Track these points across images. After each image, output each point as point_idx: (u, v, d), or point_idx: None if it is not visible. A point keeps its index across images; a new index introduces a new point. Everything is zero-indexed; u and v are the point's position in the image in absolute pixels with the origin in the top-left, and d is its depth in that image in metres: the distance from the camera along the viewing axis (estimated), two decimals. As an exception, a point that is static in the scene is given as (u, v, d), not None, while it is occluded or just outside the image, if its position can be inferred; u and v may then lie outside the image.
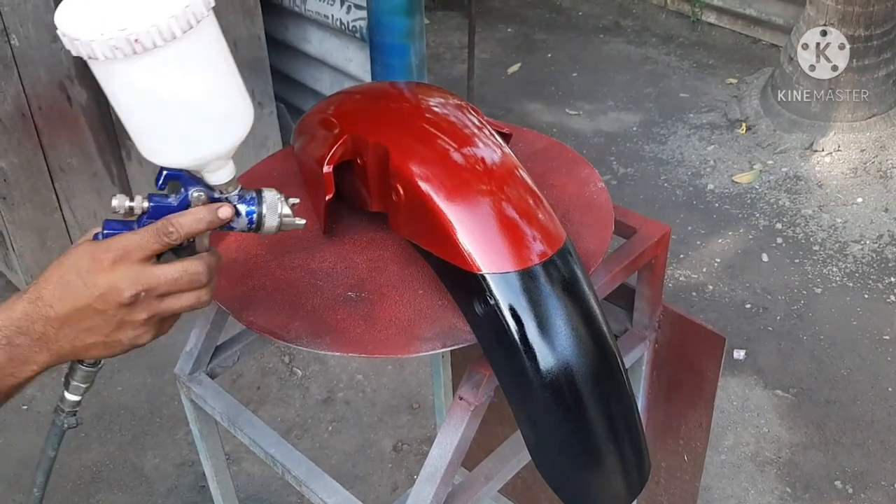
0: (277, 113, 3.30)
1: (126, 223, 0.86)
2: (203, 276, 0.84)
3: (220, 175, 0.87)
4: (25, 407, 2.64)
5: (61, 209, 2.84)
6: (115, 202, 0.84)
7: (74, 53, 0.76)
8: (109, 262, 0.80)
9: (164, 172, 0.86)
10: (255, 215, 0.89)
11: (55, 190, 2.79)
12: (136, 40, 0.74)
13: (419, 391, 2.72)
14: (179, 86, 0.80)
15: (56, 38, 2.64)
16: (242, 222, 0.89)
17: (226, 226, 0.88)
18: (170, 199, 0.86)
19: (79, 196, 2.86)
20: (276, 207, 0.90)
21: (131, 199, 0.84)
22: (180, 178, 0.86)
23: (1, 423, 2.61)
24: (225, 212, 0.86)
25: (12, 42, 2.53)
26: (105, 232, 0.84)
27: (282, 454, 1.22)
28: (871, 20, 3.55)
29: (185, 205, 0.86)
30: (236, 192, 0.89)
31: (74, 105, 2.73)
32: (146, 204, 0.85)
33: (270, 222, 0.89)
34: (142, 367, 2.76)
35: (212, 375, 1.34)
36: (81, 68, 2.70)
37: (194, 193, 0.86)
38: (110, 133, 2.84)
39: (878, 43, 3.62)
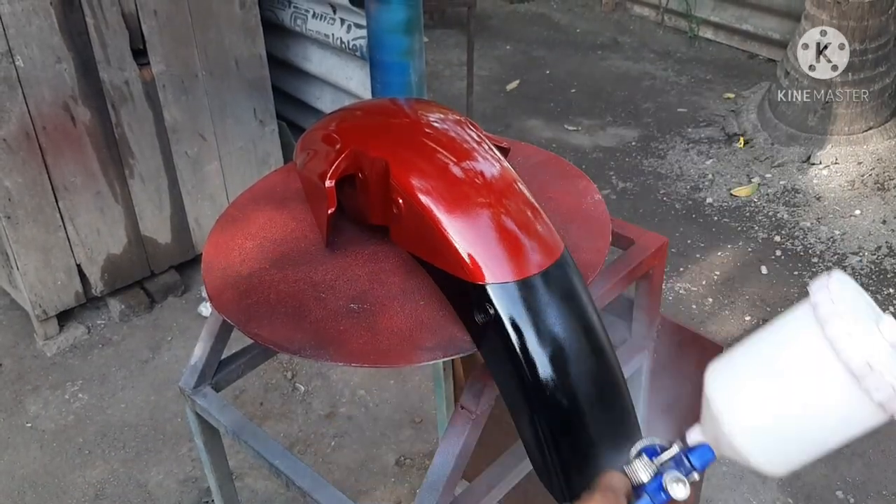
0: (279, 131, 3.33)
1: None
2: None
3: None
4: (29, 425, 2.65)
5: (65, 228, 2.86)
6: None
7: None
8: None
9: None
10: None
11: (59, 209, 2.82)
12: None
13: (421, 406, 2.73)
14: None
15: (60, 59, 2.68)
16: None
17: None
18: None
19: (82, 214, 2.88)
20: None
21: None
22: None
23: (5, 441, 2.62)
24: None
25: (17, 63, 2.57)
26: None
27: (286, 465, 1.23)
28: (866, 34, 3.59)
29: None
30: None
31: (78, 125, 2.76)
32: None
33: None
34: (144, 383, 2.77)
35: (216, 388, 1.36)
36: (84, 88, 2.72)
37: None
38: (113, 152, 2.87)
39: (873, 56, 3.65)
